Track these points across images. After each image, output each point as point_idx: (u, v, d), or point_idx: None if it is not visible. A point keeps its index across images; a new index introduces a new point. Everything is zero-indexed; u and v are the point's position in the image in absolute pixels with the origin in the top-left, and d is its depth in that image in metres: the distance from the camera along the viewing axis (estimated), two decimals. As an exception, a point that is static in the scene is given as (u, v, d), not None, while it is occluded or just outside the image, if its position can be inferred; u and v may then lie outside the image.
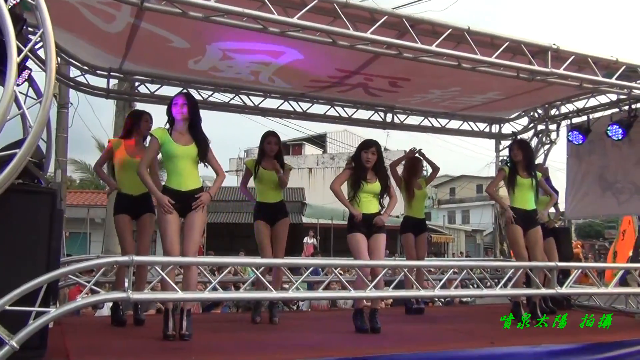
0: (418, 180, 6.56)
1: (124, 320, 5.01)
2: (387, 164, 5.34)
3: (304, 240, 19.25)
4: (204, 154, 4.38)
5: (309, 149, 37.52)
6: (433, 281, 5.06)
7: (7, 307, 3.15)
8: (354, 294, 4.43)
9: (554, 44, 4.92)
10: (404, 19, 4.36)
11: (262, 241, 5.30)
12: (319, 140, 36.52)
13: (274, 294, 4.19)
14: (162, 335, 4.22)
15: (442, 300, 8.71)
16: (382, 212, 5.06)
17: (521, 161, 5.77)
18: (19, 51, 3.27)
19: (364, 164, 5.00)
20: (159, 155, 4.62)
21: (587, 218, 23.05)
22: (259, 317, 5.39)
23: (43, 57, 3.35)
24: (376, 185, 5.02)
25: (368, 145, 5.06)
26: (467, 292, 5.77)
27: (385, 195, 5.10)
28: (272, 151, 5.39)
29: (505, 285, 4.93)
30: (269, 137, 5.45)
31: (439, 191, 48.84)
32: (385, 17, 4.29)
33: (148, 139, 4.56)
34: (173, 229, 4.27)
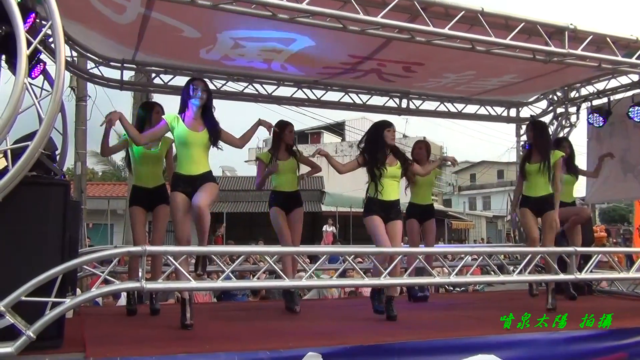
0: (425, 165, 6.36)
1: (134, 309, 5.11)
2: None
3: (323, 229, 19.31)
4: (215, 139, 4.44)
5: (328, 137, 37.47)
6: (449, 268, 4.98)
7: (23, 298, 3.20)
8: (367, 282, 4.41)
9: (571, 24, 4.79)
10: (415, 2, 4.27)
11: (281, 226, 5.32)
12: (338, 129, 36.40)
13: (287, 282, 4.19)
14: (180, 325, 4.27)
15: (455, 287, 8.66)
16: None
17: (534, 143, 5.65)
18: (29, 44, 3.31)
19: (388, 143, 4.95)
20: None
21: (609, 202, 22.71)
22: (297, 306, 5.28)
23: (56, 50, 3.38)
24: (398, 169, 4.99)
25: (389, 123, 5.06)
26: (483, 279, 5.70)
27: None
28: (291, 140, 5.50)
29: (521, 271, 4.86)
30: (290, 126, 5.50)
31: (459, 177, 48.49)
32: (396, 0, 4.21)
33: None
34: (181, 211, 4.34)
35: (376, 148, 4.97)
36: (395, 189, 5.01)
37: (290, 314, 5.21)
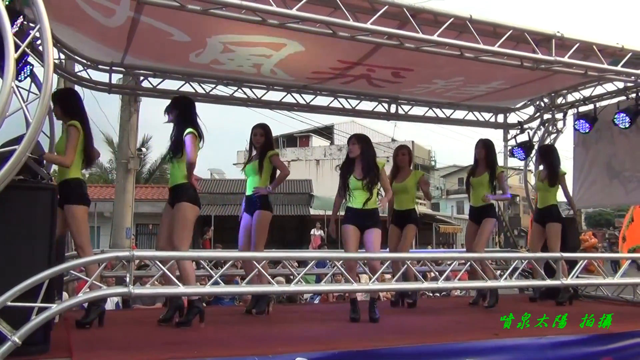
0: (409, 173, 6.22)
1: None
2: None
3: (311, 232, 19.27)
4: (172, 151, 4.67)
5: (316, 141, 37.51)
6: (436, 273, 5.01)
7: (9, 303, 3.17)
8: (355, 287, 4.42)
9: (558, 32, 4.85)
10: (404, 9, 4.31)
11: (240, 234, 5.45)
12: (326, 132, 36.46)
13: (275, 288, 4.19)
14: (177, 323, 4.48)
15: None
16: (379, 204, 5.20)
17: (484, 159, 6.21)
18: (17, 47, 3.29)
19: (348, 156, 5.25)
20: None
21: (595, 207, 23.00)
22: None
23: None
24: (363, 183, 5.12)
25: (350, 136, 5.37)
26: (470, 284, 5.74)
27: (375, 186, 5.15)
28: (258, 142, 5.45)
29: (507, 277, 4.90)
30: (254, 129, 5.51)
31: (447, 181, 48.73)
32: (386, 7, 4.24)
33: None
34: (163, 222, 4.79)
35: (345, 160, 5.31)
36: (369, 199, 5.09)
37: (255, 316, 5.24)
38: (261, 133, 5.45)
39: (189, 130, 4.57)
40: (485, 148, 6.24)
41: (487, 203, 6.08)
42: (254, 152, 5.54)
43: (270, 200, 5.38)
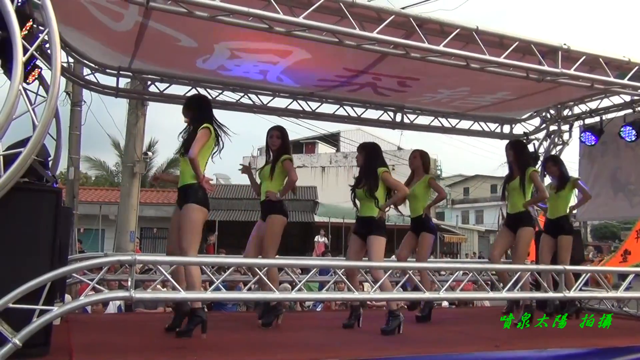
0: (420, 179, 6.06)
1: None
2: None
3: (315, 239, 19.24)
4: (184, 149, 4.57)
5: (322, 148, 37.55)
6: (438, 283, 4.99)
7: (11, 305, 3.18)
8: (357, 296, 4.41)
9: (565, 44, 4.84)
10: (411, 19, 4.32)
11: (248, 240, 5.35)
12: (332, 139, 36.49)
13: (276, 295, 4.18)
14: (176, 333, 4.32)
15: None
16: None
17: (514, 161, 5.91)
18: (26, 50, 3.32)
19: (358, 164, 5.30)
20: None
21: (599, 220, 22.89)
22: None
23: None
24: (362, 190, 5.17)
25: (357, 148, 5.43)
26: (472, 295, 5.71)
27: (373, 194, 5.11)
28: (274, 145, 5.31)
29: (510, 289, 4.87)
30: (271, 131, 5.38)
31: (452, 191, 48.67)
32: (392, 16, 4.25)
33: None
34: (172, 226, 4.70)
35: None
36: (370, 208, 5.12)
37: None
38: (277, 135, 5.30)
39: (205, 125, 4.53)
40: (513, 149, 5.95)
41: (523, 210, 5.75)
42: (270, 157, 5.38)
43: (285, 205, 5.23)
